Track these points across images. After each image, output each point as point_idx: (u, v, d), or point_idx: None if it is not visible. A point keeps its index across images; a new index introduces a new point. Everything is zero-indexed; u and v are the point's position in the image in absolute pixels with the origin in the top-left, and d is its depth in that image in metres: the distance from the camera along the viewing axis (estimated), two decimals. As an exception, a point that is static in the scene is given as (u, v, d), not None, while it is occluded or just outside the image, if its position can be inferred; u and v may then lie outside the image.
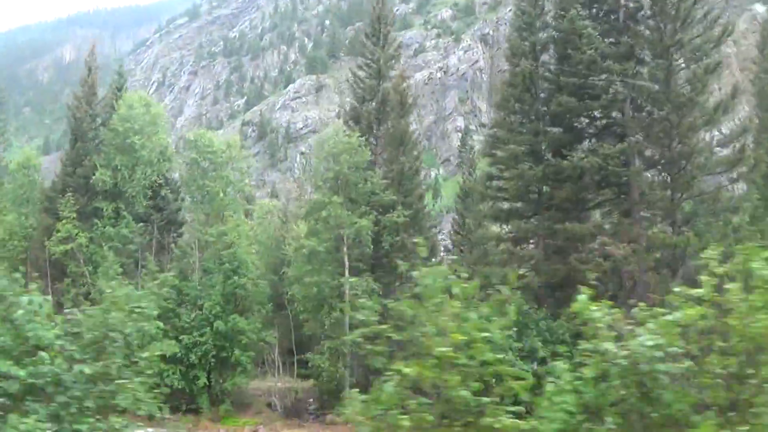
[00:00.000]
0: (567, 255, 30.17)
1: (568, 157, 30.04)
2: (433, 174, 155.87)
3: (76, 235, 41.23)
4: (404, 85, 42.57)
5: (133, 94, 49.09)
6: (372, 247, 34.38)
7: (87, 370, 7.16)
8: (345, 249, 32.94)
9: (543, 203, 32.53)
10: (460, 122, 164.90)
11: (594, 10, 33.76)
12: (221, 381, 36.73)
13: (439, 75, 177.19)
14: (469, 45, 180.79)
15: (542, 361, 27.96)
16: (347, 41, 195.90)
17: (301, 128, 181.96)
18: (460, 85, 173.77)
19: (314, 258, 33.35)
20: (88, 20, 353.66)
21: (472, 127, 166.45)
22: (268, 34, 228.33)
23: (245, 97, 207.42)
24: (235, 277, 37.31)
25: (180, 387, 33.69)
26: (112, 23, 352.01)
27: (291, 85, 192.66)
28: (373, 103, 40.86)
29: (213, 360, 36.31)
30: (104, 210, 43.59)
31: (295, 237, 43.92)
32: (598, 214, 34.40)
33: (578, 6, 33.00)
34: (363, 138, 37.33)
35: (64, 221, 41.62)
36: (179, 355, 32.55)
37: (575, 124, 33.84)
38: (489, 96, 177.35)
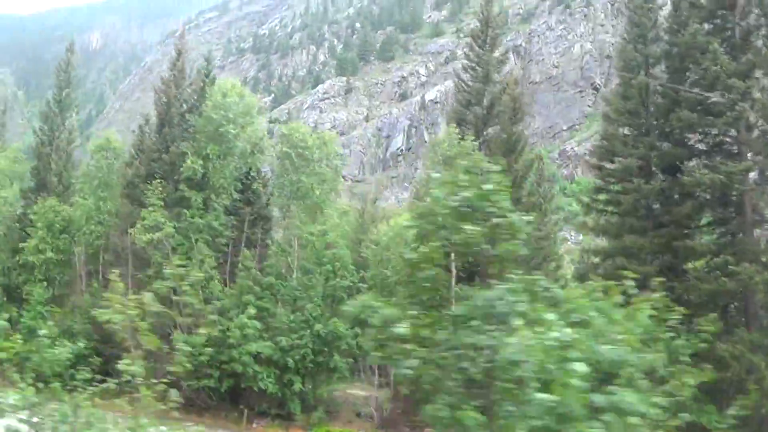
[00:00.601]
0: (679, 272, 29.76)
1: (688, 173, 29.67)
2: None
3: (163, 224, 39.91)
4: (517, 90, 42.04)
5: (226, 82, 48.31)
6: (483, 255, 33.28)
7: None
8: (453, 256, 32.23)
9: (655, 219, 32.10)
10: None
11: (711, 26, 33.33)
12: (316, 387, 35.88)
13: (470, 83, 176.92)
14: (501, 55, 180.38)
15: (661, 380, 27.42)
16: (378, 45, 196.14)
17: (329, 129, 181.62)
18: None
19: (424, 263, 32.40)
20: (118, 8, 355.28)
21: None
22: (297, 34, 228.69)
23: (272, 95, 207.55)
24: (337, 279, 36.57)
25: (273, 391, 32.67)
26: (141, 13, 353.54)
27: (320, 86, 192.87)
28: (480, 107, 40.27)
29: (311, 364, 35.34)
30: (192, 200, 42.21)
31: (373, 240, 43.27)
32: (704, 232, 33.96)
33: (697, 20, 32.60)
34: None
35: (150, 209, 39.79)
36: (275, 357, 31.49)
37: (687, 140, 33.45)
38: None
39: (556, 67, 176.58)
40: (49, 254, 43.96)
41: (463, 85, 42.56)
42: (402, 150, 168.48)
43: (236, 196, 43.97)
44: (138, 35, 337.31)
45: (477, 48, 42.28)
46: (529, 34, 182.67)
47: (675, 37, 34.37)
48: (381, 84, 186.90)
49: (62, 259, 45.55)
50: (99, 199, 46.22)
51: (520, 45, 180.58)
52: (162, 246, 39.18)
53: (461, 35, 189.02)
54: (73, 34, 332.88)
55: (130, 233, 39.80)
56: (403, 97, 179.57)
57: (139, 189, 42.53)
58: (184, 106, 47.00)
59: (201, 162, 42.50)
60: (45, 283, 44.16)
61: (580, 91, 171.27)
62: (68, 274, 46.36)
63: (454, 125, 37.62)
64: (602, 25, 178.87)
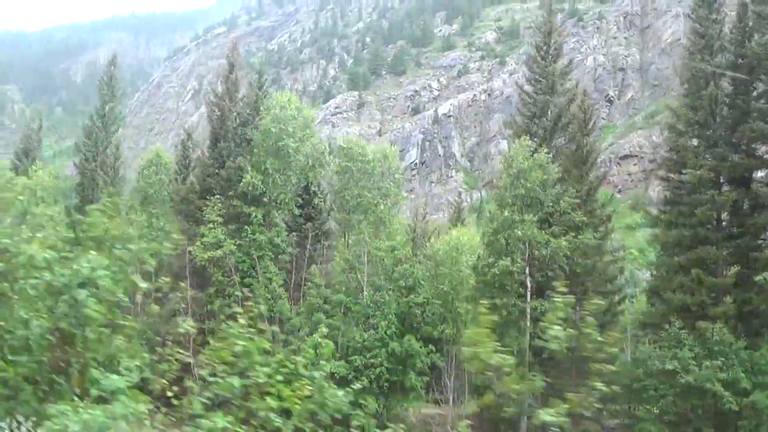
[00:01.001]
0: (753, 284, 29.12)
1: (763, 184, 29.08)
2: (475, 196, 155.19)
3: (223, 241, 39.11)
4: (587, 101, 41.33)
5: (283, 95, 47.52)
6: (564, 269, 32.66)
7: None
8: (528, 270, 31.69)
9: (725, 230, 31.48)
10: (504, 145, 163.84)
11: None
12: (391, 407, 34.77)
13: (483, 97, 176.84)
14: (514, 68, 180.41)
15: (745, 393, 26.81)
16: (389, 59, 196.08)
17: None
18: (504, 108, 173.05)
19: (504, 278, 31.74)
20: (124, 24, 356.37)
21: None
22: (307, 49, 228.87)
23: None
24: (411, 296, 35.60)
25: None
26: (147, 28, 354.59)
27: (332, 101, 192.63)
28: (547, 119, 39.56)
29: (386, 384, 34.46)
30: (252, 216, 41.48)
31: (427, 255, 42.44)
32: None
33: (765, 31, 32.04)
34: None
35: (210, 226, 39.06)
36: (349, 377, 30.55)
37: (756, 151, 32.84)
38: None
39: (570, 80, 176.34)
40: None
41: (526, 97, 41.75)
42: (416, 164, 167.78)
43: (296, 211, 43.01)
44: (145, 51, 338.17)
45: (540, 59, 41.41)
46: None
47: (741, 48, 33.86)
48: (393, 98, 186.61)
49: None
50: (151, 216, 45.17)
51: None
52: (223, 264, 38.24)
53: (473, 49, 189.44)
54: (87, 50, 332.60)
55: (190, 251, 38.63)
56: (416, 111, 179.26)
57: (195, 205, 41.62)
58: (237, 120, 45.98)
59: (260, 177, 41.62)
60: None
61: (594, 104, 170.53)
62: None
63: (526, 138, 36.75)
64: (615, 38, 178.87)
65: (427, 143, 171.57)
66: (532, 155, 34.74)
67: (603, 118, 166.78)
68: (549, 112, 39.66)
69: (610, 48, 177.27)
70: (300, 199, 43.68)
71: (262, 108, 44.69)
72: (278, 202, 42.88)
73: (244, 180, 41.31)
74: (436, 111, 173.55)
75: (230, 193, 41.99)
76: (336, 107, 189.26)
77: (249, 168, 41.85)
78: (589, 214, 34.91)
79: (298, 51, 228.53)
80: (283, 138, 41.71)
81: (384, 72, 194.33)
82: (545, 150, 35.78)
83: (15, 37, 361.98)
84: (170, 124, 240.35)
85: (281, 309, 34.78)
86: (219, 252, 38.29)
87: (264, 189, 41.99)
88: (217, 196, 40.45)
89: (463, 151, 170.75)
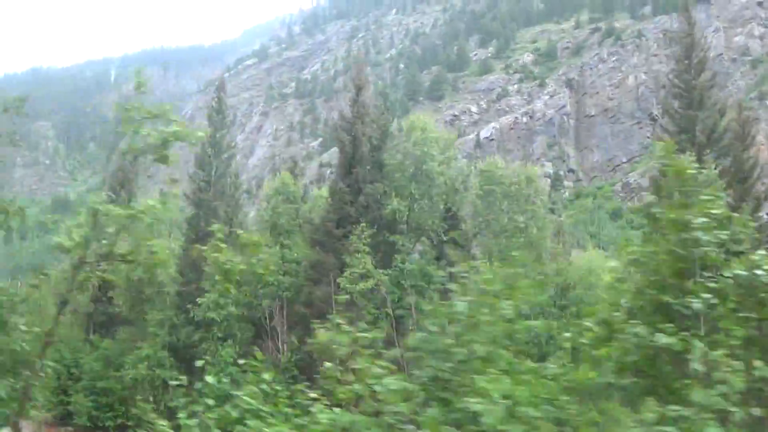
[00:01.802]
0: None
1: None
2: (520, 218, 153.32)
3: (372, 271, 37.09)
4: (744, 114, 39.62)
5: (419, 118, 46.11)
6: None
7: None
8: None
9: None
10: (549, 168, 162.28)
11: None
12: None
13: (524, 119, 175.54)
14: (554, 90, 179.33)
15: None
16: (426, 84, 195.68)
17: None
18: (546, 130, 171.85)
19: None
20: (153, 58, 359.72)
21: (561, 172, 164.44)
22: (341, 77, 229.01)
23: (320, 139, 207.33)
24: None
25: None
26: (176, 62, 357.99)
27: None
28: (699, 134, 37.82)
29: None
30: (400, 244, 40.02)
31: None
32: None
33: None
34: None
35: (358, 255, 37.32)
36: None
37: None
38: (576, 141, 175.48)
39: (611, 99, 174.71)
40: (231, 309, 41.39)
41: (673, 112, 39.99)
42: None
43: (444, 237, 41.25)
44: (175, 85, 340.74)
45: (684, 74, 39.70)
46: (581, 67, 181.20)
47: None
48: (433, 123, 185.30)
49: (244, 313, 43.12)
50: (283, 247, 43.62)
51: (573, 78, 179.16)
52: (373, 295, 36.66)
53: (510, 71, 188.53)
54: (120, 85, 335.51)
55: (337, 283, 37.00)
56: (457, 135, 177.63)
57: (332, 235, 40.16)
58: (368, 145, 44.37)
59: (405, 202, 40.19)
60: (228, 341, 41.59)
61: (638, 123, 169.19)
62: (251, 329, 43.78)
63: (691, 155, 34.83)
64: (655, 55, 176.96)
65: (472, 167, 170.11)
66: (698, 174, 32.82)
67: (648, 137, 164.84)
68: (697, 127, 37.85)
69: (651, 66, 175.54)
70: (445, 225, 42.05)
71: (391, 131, 43.67)
72: (426, 228, 41.33)
73: (389, 207, 39.87)
74: (477, 135, 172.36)
75: (367, 219, 40.20)
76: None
77: (392, 194, 40.39)
78: (759, 230, 32.94)
79: (332, 80, 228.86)
80: (426, 161, 40.33)
81: (421, 97, 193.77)
82: (714, 166, 33.91)
83: (45, 73, 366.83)
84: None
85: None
86: (370, 283, 36.76)
87: (409, 215, 40.50)
88: (363, 224, 38.89)
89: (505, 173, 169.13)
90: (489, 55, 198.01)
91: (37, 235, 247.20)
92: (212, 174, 49.28)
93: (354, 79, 49.82)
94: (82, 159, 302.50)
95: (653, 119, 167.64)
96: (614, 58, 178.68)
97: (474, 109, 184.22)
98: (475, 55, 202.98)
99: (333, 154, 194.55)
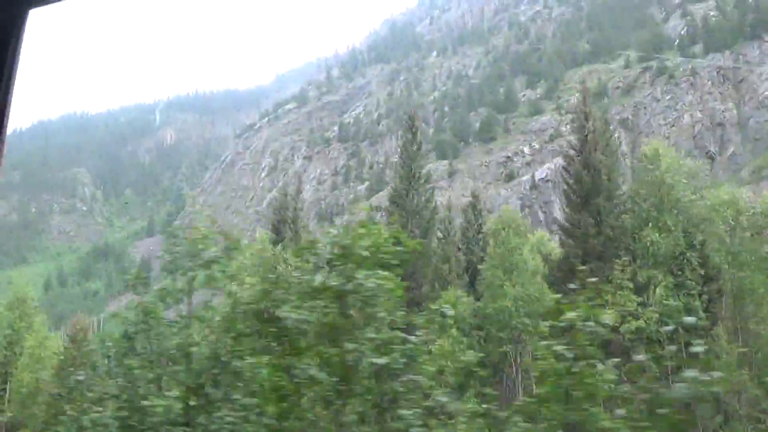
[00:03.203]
0: None
1: None
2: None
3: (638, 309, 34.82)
4: None
5: (656, 144, 43.48)
6: None
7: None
8: None
9: None
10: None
11: None
12: None
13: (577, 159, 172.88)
14: (609, 130, 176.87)
15: None
16: (476, 125, 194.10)
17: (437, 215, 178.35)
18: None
19: None
20: (188, 104, 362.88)
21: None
22: (384, 120, 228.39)
23: (366, 183, 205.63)
24: None
25: None
26: (211, 108, 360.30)
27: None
28: None
29: None
30: (661, 277, 37.62)
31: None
32: None
33: None
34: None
35: (623, 292, 34.86)
36: None
37: None
38: (633, 180, 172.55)
39: (667, 138, 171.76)
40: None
41: None
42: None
43: (701, 271, 38.23)
44: (210, 131, 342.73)
45: None
46: (635, 106, 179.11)
47: None
48: (485, 165, 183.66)
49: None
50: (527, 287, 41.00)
51: (627, 118, 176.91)
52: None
53: (562, 112, 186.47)
54: (154, 132, 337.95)
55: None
56: (510, 177, 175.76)
57: (574, 273, 37.27)
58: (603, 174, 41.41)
59: (662, 234, 37.35)
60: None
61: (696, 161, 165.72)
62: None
63: None
64: (710, 93, 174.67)
65: (527, 209, 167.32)
66: None
67: (706, 175, 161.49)
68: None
69: (706, 104, 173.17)
70: (696, 255, 39.02)
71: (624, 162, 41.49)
72: (682, 260, 38.40)
73: (644, 239, 37.10)
74: (532, 176, 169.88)
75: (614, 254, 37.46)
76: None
77: (647, 225, 37.65)
78: None
79: (376, 123, 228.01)
80: (678, 189, 37.70)
81: (471, 139, 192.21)
82: None
83: (80, 120, 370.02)
84: (248, 202, 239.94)
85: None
86: (640, 322, 33.79)
87: (664, 248, 37.66)
88: (624, 259, 36.12)
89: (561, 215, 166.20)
90: (537, 96, 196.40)
91: (78, 282, 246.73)
92: (410, 207, 46.56)
93: (577, 112, 47.22)
94: (119, 205, 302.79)
95: (711, 157, 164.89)
96: (668, 97, 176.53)
97: (527, 150, 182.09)
98: (524, 95, 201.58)
99: (381, 198, 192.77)
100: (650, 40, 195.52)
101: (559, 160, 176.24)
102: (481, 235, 51.56)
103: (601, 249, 38.15)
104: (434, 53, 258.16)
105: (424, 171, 50.21)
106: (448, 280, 44.02)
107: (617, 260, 36.42)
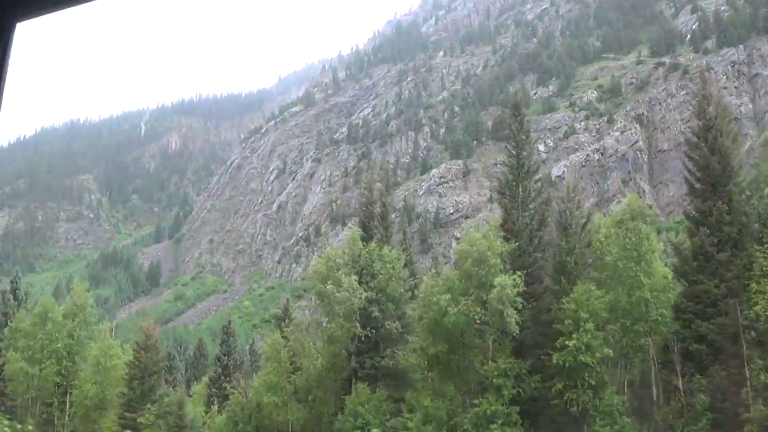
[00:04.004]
0: None
1: None
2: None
3: None
4: None
5: None
6: None
7: None
8: None
9: None
10: (625, 203, 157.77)
11: None
12: None
13: (596, 156, 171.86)
14: (624, 126, 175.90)
15: None
16: (489, 124, 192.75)
17: (452, 213, 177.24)
18: (621, 167, 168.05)
19: None
20: (191, 108, 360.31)
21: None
22: (394, 121, 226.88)
23: (377, 184, 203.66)
24: None
25: None
26: (215, 112, 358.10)
27: (434, 170, 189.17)
28: None
29: None
30: None
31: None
32: None
33: None
34: None
35: None
36: None
37: None
38: (650, 177, 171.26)
39: (684, 133, 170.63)
40: (606, 351, 37.56)
41: None
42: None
43: None
44: (215, 135, 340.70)
45: None
46: (649, 102, 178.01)
47: None
48: (500, 164, 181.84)
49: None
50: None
51: (642, 114, 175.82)
52: None
53: (576, 109, 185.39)
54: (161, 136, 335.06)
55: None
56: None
57: (713, 261, 35.79)
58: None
59: None
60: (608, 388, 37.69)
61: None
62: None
63: None
64: (725, 88, 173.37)
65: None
66: None
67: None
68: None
69: (721, 99, 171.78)
70: None
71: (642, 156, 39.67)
72: None
73: None
74: (549, 173, 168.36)
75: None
76: (440, 177, 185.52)
77: None
78: None
79: (385, 123, 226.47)
80: None
81: (484, 138, 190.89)
82: None
83: (83, 127, 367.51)
84: (257, 205, 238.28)
85: None
86: None
87: None
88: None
89: (582, 213, 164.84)
90: (550, 93, 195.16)
91: (87, 289, 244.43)
92: (520, 197, 44.82)
93: (700, 92, 45.60)
94: (126, 211, 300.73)
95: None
96: (683, 92, 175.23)
97: (542, 147, 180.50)
98: (535, 93, 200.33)
99: (394, 199, 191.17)
100: (661, 36, 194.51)
101: (575, 157, 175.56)
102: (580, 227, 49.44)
103: (736, 236, 36.81)
104: (441, 53, 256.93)
105: (533, 160, 48.19)
106: (573, 274, 42.26)
107: (759, 247, 34.92)
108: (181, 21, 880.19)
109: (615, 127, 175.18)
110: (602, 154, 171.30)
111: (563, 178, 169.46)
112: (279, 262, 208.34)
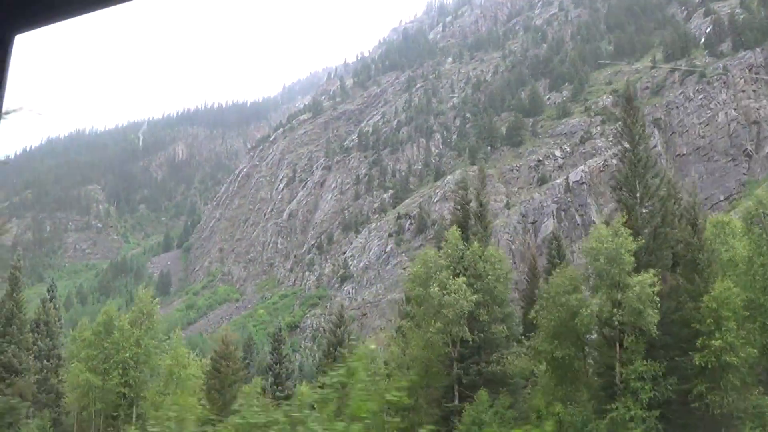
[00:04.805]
0: None
1: None
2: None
3: None
4: None
5: None
6: None
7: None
8: None
9: None
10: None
11: None
12: None
13: (614, 161, 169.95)
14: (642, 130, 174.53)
15: None
16: (503, 129, 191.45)
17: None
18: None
19: None
20: (198, 118, 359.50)
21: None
22: (404, 128, 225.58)
23: (390, 191, 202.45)
24: None
25: None
26: (221, 121, 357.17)
27: (449, 176, 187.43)
28: None
29: None
30: None
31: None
32: None
33: None
34: None
35: None
36: None
37: None
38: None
39: (703, 137, 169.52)
40: (750, 350, 35.91)
41: None
42: (554, 234, 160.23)
43: None
44: (221, 144, 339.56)
45: None
46: (666, 106, 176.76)
47: None
48: (516, 169, 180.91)
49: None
50: None
51: (660, 118, 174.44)
52: None
53: (591, 114, 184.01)
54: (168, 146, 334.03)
55: None
56: (542, 180, 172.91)
57: None
58: None
59: None
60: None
61: (733, 160, 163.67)
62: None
63: None
64: (743, 91, 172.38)
65: (563, 213, 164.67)
66: None
67: (744, 173, 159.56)
68: None
69: (740, 102, 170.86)
70: None
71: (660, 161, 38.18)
72: None
73: None
74: (567, 179, 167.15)
75: None
76: (456, 183, 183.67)
77: None
78: None
79: (395, 131, 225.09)
80: None
81: (499, 144, 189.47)
82: None
83: (89, 137, 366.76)
84: (266, 213, 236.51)
85: None
86: None
87: None
88: None
89: (601, 218, 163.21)
90: (564, 98, 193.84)
91: (98, 299, 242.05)
92: (639, 195, 42.95)
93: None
94: (133, 221, 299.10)
95: (748, 155, 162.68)
96: (701, 96, 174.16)
97: (558, 153, 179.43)
98: (548, 98, 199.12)
99: (408, 206, 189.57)
100: (675, 40, 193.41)
101: (593, 162, 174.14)
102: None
103: None
104: (450, 59, 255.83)
105: (645, 156, 46.21)
106: (706, 271, 40.33)
107: None
108: (184, 31, 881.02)
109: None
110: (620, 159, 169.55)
111: (582, 183, 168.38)
112: (291, 270, 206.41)
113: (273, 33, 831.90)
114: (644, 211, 43.63)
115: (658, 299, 37.98)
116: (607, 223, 40.96)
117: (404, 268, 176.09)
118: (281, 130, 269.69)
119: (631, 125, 45.88)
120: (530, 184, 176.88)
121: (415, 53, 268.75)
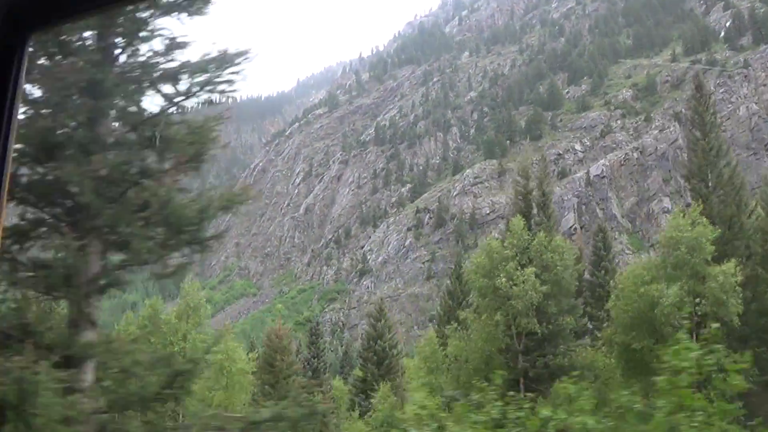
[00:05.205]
0: None
1: None
2: (644, 257, 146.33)
3: None
4: None
5: None
6: None
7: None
8: None
9: None
10: (667, 203, 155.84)
11: None
12: None
13: (635, 155, 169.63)
14: (662, 124, 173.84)
15: None
16: (522, 123, 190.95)
17: (488, 214, 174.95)
18: (661, 165, 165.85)
19: None
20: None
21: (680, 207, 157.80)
22: (421, 122, 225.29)
23: (408, 185, 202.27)
24: None
25: None
26: (236, 116, 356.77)
27: (468, 170, 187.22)
28: None
29: None
30: None
31: None
32: None
33: None
34: None
35: None
36: None
37: None
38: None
39: (724, 131, 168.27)
40: None
41: None
42: (576, 228, 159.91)
43: None
44: (236, 138, 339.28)
45: None
46: (687, 100, 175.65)
47: None
48: (535, 163, 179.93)
49: None
50: None
51: (680, 111, 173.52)
52: None
53: (611, 108, 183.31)
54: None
55: None
56: (563, 174, 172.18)
57: None
58: None
59: None
60: None
61: (754, 153, 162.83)
62: None
63: None
64: (765, 85, 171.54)
65: (584, 206, 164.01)
66: None
67: (766, 166, 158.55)
68: None
69: (761, 95, 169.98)
70: None
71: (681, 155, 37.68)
72: None
73: None
74: (587, 173, 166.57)
75: None
76: (475, 177, 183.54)
77: None
78: None
79: (413, 125, 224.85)
80: None
81: (518, 138, 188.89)
82: None
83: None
84: (283, 208, 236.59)
85: None
86: None
87: None
88: None
89: (623, 212, 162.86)
90: (584, 92, 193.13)
91: (113, 293, 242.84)
92: (713, 184, 42.49)
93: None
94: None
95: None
96: (722, 90, 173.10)
97: (578, 147, 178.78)
98: (567, 92, 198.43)
99: (427, 200, 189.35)
100: (695, 33, 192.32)
101: (614, 156, 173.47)
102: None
103: None
104: (466, 53, 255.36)
105: (717, 144, 45.64)
106: None
107: None
108: (196, 26, 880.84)
109: (653, 126, 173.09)
110: (641, 152, 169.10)
111: (603, 177, 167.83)
112: (308, 264, 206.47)
113: (286, 27, 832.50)
114: (717, 200, 43.25)
115: (740, 289, 37.59)
116: (683, 213, 40.31)
117: (423, 263, 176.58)
118: (297, 124, 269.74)
119: (703, 113, 45.31)
120: (550, 178, 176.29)
121: (431, 47, 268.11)
